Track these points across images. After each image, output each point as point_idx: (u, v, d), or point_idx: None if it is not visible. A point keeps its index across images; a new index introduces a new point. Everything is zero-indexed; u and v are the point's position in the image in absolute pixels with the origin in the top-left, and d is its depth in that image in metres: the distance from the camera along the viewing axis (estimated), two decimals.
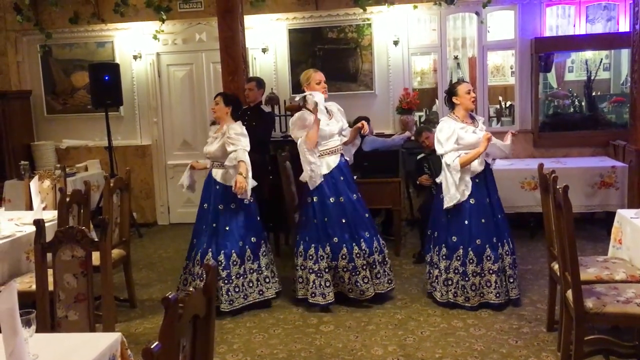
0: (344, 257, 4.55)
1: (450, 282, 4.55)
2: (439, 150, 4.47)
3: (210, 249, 4.63)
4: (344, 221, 4.59)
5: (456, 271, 4.53)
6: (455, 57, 9.74)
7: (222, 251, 4.60)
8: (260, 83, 6.10)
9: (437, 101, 7.88)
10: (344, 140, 4.78)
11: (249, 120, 5.61)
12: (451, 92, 4.55)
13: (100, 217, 2.85)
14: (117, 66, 7.31)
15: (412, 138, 6.47)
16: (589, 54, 7.26)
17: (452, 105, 4.56)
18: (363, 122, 4.73)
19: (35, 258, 2.90)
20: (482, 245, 4.47)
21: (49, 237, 2.91)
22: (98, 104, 7.09)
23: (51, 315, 2.94)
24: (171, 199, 7.91)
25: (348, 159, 4.85)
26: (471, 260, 4.48)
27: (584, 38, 6.71)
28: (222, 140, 4.62)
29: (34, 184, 4.64)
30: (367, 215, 4.72)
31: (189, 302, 1.76)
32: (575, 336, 3.21)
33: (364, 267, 4.56)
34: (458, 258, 4.52)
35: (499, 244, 4.50)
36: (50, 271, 2.92)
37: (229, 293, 4.59)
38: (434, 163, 5.39)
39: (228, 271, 4.60)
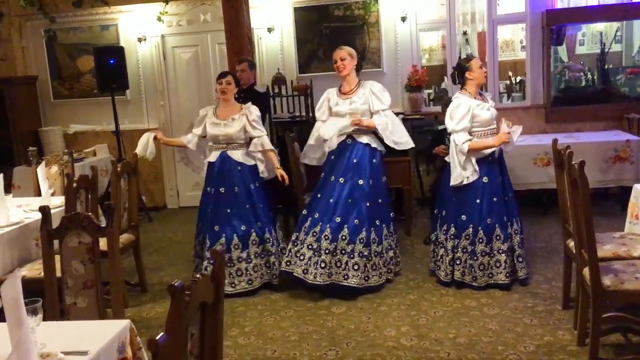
0: (313, 234, 4.49)
1: (458, 262, 4.48)
2: (450, 125, 4.37)
3: (253, 229, 4.64)
4: (330, 201, 4.54)
5: (464, 250, 4.46)
6: (464, 33, 9.58)
7: (267, 228, 4.66)
8: (252, 64, 5.96)
9: (445, 78, 7.76)
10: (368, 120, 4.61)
11: (244, 102, 5.49)
12: (463, 67, 4.44)
13: (107, 202, 2.80)
14: (122, 49, 7.23)
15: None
16: (600, 26, 7.11)
17: (462, 81, 4.45)
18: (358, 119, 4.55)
19: (42, 245, 2.87)
20: (493, 224, 4.40)
21: (57, 223, 2.88)
22: (104, 88, 7.03)
23: (60, 302, 2.91)
24: (180, 182, 7.88)
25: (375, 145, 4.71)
26: (481, 240, 4.42)
27: (597, 9, 6.55)
28: (242, 123, 4.61)
29: (41, 170, 4.61)
30: (360, 203, 4.51)
31: (196, 289, 1.72)
32: (593, 314, 3.15)
33: (340, 252, 4.45)
34: (467, 237, 4.45)
35: (509, 223, 4.44)
36: (57, 257, 2.89)
37: (277, 267, 4.65)
38: None
39: (247, 251, 4.61)
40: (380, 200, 4.67)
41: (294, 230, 6.27)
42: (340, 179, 4.55)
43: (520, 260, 4.44)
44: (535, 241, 5.42)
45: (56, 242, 2.86)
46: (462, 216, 4.47)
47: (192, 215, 7.32)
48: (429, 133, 6.33)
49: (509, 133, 4.27)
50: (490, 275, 4.41)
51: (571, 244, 3.83)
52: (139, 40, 7.57)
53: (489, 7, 6.98)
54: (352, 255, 4.45)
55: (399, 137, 4.72)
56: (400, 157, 5.75)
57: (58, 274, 2.89)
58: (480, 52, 9.24)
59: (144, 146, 4.84)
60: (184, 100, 7.70)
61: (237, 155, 4.67)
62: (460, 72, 4.45)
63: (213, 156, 4.72)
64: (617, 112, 6.65)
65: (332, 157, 4.64)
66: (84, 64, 7.76)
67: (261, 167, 4.73)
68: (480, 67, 4.38)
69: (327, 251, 4.42)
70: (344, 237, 4.46)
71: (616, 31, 7.09)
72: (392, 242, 4.72)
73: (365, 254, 4.46)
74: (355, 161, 4.60)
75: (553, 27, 6.64)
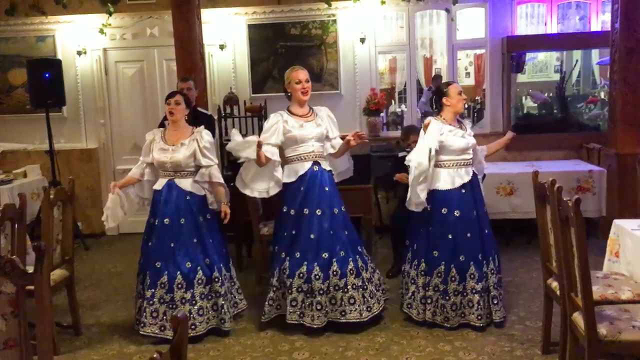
0: (300, 275, 4.08)
1: (429, 301, 4.16)
2: (412, 154, 4.13)
3: (200, 267, 4.14)
4: (312, 237, 4.13)
5: (436, 289, 4.14)
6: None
7: (216, 265, 4.17)
8: (195, 83, 5.49)
9: (392, 102, 7.57)
10: (330, 150, 4.34)
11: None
12: (441, 92, 4.17)
13: (35, 243, 2.32)
14: (59, 62, 6.66)
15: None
16: (555, 55, 7.07)
17: (439, 107, 4.18)
18: (354, 135, 4.15)
19: None
20: (466, 261, 4.10)
21: None
22: (38, 103, 6.43)
23: None
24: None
25: (343, 169, 4.50)
26: (453, 278, 4.11)
27: (557, 37, 6.48)
28: (192, 149, 4.15)
29: None
30: (341, 233, 4.21)
31: None
32: None
33: (334, 289, 4.10)
34: (439, 275, 4.14)
35: (484, 261, 4.12)
36: None
37: (230, 310, 4.19)
38: None
39: (226, 285, 4.21)
40: (350, 227, 4.33)
41: (246, 261, 5.87)
42: (317, 211, 4.14)
43: (496, 302, 4.12)
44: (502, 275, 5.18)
45: None
46: (434, 252, 4.15)
47: (133, 243, 6.80)
48: (389, 159, 6.07)
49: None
50: (463, 315, 4.12)
51: (553, 284, 3.58)
52: (79, 53, 7.02)
53: (449, 32, 6.83)
54: (345, 290, 4.09)
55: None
56: (361, 184, 5.42)
57: None
58: (426, 78, 9.17)
59: (114, 215, 4.29)
60: (127, 119, 7.17)
61: (185, 184, 4.19)
62: (438, 97, 4.18)
63: (159, 184, 4.25)
64: (577, 141, 6.57)
65: (301, 189, 4.20)
66: (15, 77, 7.15)
67: (210, 198, 4.26)
68: (459, 94, 4.11)
69: (320, 291, 4.05)
70: (335, 273, 4.08)
71: (576, 60, 7.06)
72: (372, 264, 4.41)
73: (359, 284, 4.13)
74: (326, 189, 4.22)
75: (513, 54, 6.52)
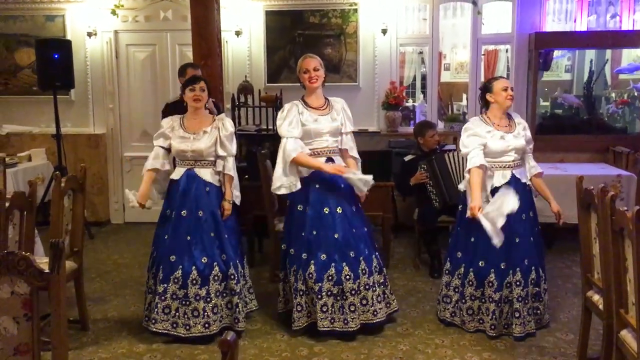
0: (329, 278, 3.85)
1: (448, 300, 4.06)
2: (463, 150, 3.89)
3: (216, 262, 3.92)
4: (336, 236, 3.90)
5: (456, 290, 4.03)
6: (420, 52, 9.24)
7: (231, 262, 3.94)
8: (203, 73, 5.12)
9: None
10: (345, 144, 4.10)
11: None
12: (485, 87, 3.94)
13: (53, 240, 2.10)
14: (69, 43, 6.39)
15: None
16: (590, 53, 6.84)
17: (484, 104, 3.96)
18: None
19: None
20: (486, 268, 3.91)
21: None
22: (46, 85, 6.19)
23: None
24: None
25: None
26: (470, 282, 3.96)
27: (587, 35, 6.23)
28: (213, 137, 3.94)
29: None
30: (362, 230, 4.01)
31: None
32: None
33: (364, 288, 3.92)
34: (459, 276, 4.01)
35: (511, 271, 3.89)
36: None
37: (243, 309, 3.99)
38: (439, 163, 4.76)
39: (241, 283, 4.00)
40: (368, 224, 4.15)
41: (258, 257, 5.64)
42: (338, 209, 3.91)
43: (518, 315, 3.86)
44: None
45: None
46: (458, 253, 4.04)
47: (139, 233, 6.60)
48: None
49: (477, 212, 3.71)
50: (481, 321, 3.97)
51: (595, 297, 3.37)
52: (89, 34, 6.77)
53: (474, 26, 6.59)
54: (374, 289, 3.95)
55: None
56: (380, 182, 5.20)
57: None
58: (437, 72, 8.93)
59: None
60: (137, 104, 6.93)
61: (205, 174, 3.97)
62: (482, 94, 3.96)
63: (177, 173, 4.02)
64: (602, 143, 6.34)
65: (316, 186, 3.98)
66: (22, 57, 6.90)
67: (235, 192, 4.07)
68: (504, 89, 3.87)
69: (352, 292, 3.86)
70: (364, 271, 3.91)
71: (606, 60, 6.83)
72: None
73: (382, 281, 4.03)
74: (343, 186, 4.01)
75: (541, 50, 6.28)
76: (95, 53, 6.85)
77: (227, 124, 4.00)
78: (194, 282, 3.87)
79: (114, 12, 6.59)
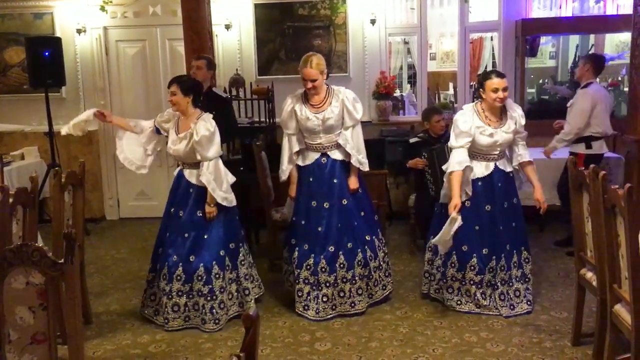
0: (307, 267, 4.06)
1: (432, 278, 4.23)
2: (452, 143, 3.98)
3: (182, 263, 3.96)
4: (319, 229, 4.06)
5: (438, 269, 4.19)
6: (406, 42, 9.31)
7: (201, 264, 3.95)
8: (211, 63, 5.10)
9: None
10: (340, 141, 4.13)
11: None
12: (480, 82, 4.00)
13: (65, 231, 2.15)
14: (59, 40, 6.39)
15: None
16: (575, 38, 6.95)
17: (480, 96, 4.02)
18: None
19: None
20: (468, 253, 4.04)
21: None
22: (37, 83, 6.18)
23: None
24: (121, 191, 7.11)
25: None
26: (453, 264, 4.09)
27: (573, 20, 6.33)
28: (190, 142, 3.89)
29: None
30: (351, 223, 4.11)
31: None
32: None
33: (341, 281, 4.06)
34: (441, 257, 4.15)
35: (494, 257, 4.02)
36: None
37: (214, 311, 3.96)
38: (439, 155, 4.84)
39: (210, 286, 3.95)
40: (363, 213, 4.22)
41: (256, 249, 5.70)
42: (325, 204, 4.07)
43: (502, 298, 4.04)
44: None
45: None
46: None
47: (134, 229, 6.64)
48: (400, 144, 5.93)
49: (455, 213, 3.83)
50: (459, 302, 4.12)
51: (588, 275, 3.47)
52: (78, 31, 6.75)
53: (461, 14, 6.65)
54: (353, 281, 4.07)
55: (363, 157, 4.16)
56: (375, 170, 5.28)
57: None
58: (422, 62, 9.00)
59: (78, 126, 4.18)
60: (128, 100, 6.94)
61: (190, 175, 4.02)
62: (478, 86, 4.03)
63: (176, 171, 4.18)
64: None
65: (310, 179, 4.09)
66: (12, 56, 6.87)
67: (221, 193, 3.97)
68: (494, 91, 3.86)
69: (327, 284, 4.02)
70: (342, 265, 4.04)
71: (591, 45, 6.94)
72: (385, 249, 4.35)
73: (365, 274, 4.12)
74: (335, 182, 4.11)
75: (528, 37, 6.37)
76: (85, 50, 6.85)
77: (200, 128, 3.86)
78: (164, 277, 3.98)
79: (102, 9, 6.58)
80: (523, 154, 4.08)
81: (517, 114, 4.03)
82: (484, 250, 4.03)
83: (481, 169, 4.03)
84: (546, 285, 4.57)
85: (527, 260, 4.12)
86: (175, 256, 3.96)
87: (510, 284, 4.06)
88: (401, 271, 5.02)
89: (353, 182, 4.14)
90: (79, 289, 2.22)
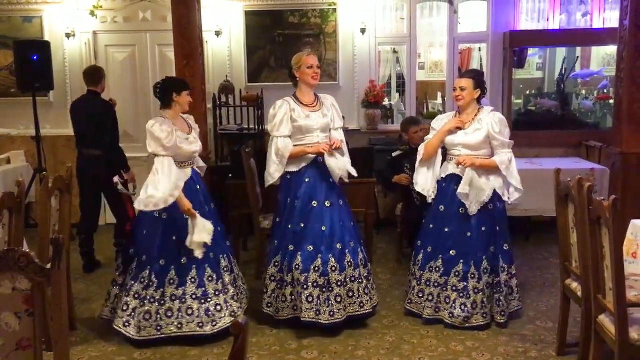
0: (316, 269, 3.91)
1: (409, 286, 4.32)
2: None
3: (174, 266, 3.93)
4: (323, 229, 3.99)
5: (414, 276, 4.25)
6: (394, 51, 9.36)
7: (194, 266, 3.92)
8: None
9: None
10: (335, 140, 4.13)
11: None
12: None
13: (53, 237, 2.14)
14: (47, 44, 6.35)
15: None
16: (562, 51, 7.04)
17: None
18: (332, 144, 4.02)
19: None
20: (455, 257, 4.04)
21: None
22: (25, 87, 6.13)
23: None
24: None
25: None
26: (432, 268, 4.15)
27: (560, 33, 6.41)
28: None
29: None
30: (349, 223, 4.11)
31: None
32: None
33: (350, 280, 4.01)
34: (417, 263, 4.21)
35: (461, 260, 4.02)
36: None
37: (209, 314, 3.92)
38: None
39: (204, 289, 3.92)
40: (354, 219, 4.24)
41: (244, 255, 5.66)
42: (326, 203, 4.01)
43: (474, 307, 3.99)
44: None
45: None
46: (419, 242, 4.27)
47: None
48: (388, 153, 5.96)
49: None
50: (437, 310, 4.11)
51: (573, 285, 3.50)
52: (67, 36, 6.75)
53: (450, 25, 6.73)
54: (360, 280, 4.04)
55: (349, 162, 4.20)
56: (363, 178, 5.29)
57: None
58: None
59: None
60: (117, 105, 6.85)
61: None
62: None
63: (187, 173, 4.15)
64: (576, 138, 6.54)
65: (306, 180, 4.06)
66: (0, 59, 6.84)
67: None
68: (453, 90, 4.17)
69: (338, 283, 3.94)
70: (350, 264, 4.00)
71: (577, 57, 7.03)
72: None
73: (366, 275, 4.10)
74: (331, 181, 4.11)
75: (516, 49, 6.44)
76: (74, 54, 6.83)
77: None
78: (192, 280, 3.96)
79: (92, 13, 6.59)
80: (496, 157, 4.00)
81: (492, 119, 4.02)
82: (451, 252, 4.05)
83: (453, 166, 4.10)
84: (532, 295, 4.61)
85: (504, 269, 4.05)
86: (162, 260, 3.92)
87: (484, 292, 4.01)
88: (388, 280, 5.03)
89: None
90: (66, 295, 2.20)
